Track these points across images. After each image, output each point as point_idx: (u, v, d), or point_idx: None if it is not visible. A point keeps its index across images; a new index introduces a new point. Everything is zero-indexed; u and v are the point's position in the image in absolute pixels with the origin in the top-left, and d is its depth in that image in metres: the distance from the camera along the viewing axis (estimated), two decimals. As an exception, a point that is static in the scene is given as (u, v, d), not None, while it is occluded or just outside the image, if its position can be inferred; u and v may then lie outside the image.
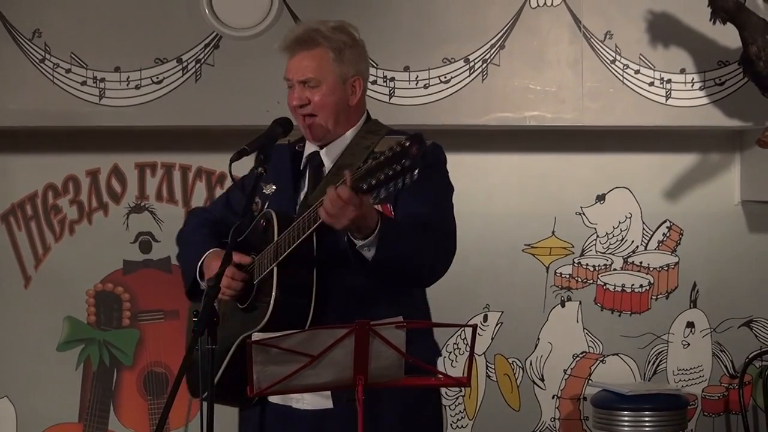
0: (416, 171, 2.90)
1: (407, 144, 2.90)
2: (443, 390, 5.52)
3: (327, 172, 3.47)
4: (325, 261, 3.33)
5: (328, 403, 3.39)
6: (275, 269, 3.31)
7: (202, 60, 5.13)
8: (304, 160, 3.55)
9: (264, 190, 3.56)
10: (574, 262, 5.66)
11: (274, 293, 3.29)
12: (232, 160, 3.39)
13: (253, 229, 3.48)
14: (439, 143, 3.54)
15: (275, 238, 3.34)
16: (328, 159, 3.49)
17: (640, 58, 5.27)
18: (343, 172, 3.14)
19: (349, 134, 3.50)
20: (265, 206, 3.54)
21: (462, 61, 5.20)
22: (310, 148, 3.55)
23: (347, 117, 3.50)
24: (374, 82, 5.12)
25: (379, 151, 3.00)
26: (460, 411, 5.60)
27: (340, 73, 3.45)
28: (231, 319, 3.49)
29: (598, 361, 5.66)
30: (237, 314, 3.49)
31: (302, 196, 3.51)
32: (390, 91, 5.17)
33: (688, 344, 5.72)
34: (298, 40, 3.46)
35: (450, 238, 3.42)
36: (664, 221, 5.70)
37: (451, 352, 5.56)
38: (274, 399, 3.47)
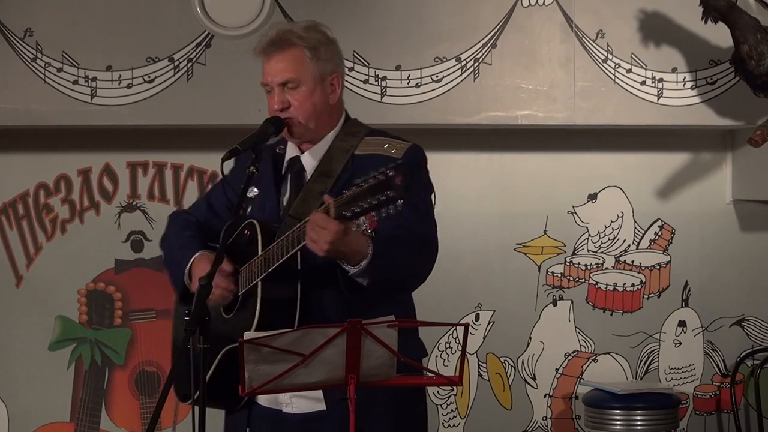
0: (400, 201, 2.91)
1: (391, 174, 2.89)
2: (435, 389, 5.54)
3: (308, 178, 3.44)
4: (313, 269, 3.31)
5: (319, 405, 3.38)
6: (259, 284, 3.30)
7: (194, 59, 5.13)
8: (285, 164, 3.52)
9: (247, 194, 3.52)
10: (565, 261, 5.66)
11: (258, 309, 3.29)
12: (223, 160, 3.38)
13: (237, 237, 3.44)
14: (430, 144, 3.52)
15: (259, 252, 3.33)
16: (308, 164, 3.47)
17: (631, 57, 5.27)
18: (326, 194, 3.14)
19: (329, 137, 3.48)
20: (248, 210, 3.52)
21: (454, 60, 5.20)
22: (291, 151, 3.52)
23: (328, 117, 3.47)
24: (366, 81, 5.12)
25: (363, 177, 2.97)
26: (452, 410, 5.60)
27: (317, 72, 3.42)
28: (217, 324, 3.45)
29: (590, 360, 5.67)
30: (223, 321, 3.46)
31: (285, 201, 3.48)
32: (382, 90, 5.17)
33: (680, 343, 5.72)
34: (272, 42, 3.41)
35: (433, 242, 3.42)
36: (656, 220, 5.71)
37: (443, 351, 5.57)
38: (263, 402, 3.47)
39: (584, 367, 5.67)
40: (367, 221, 3.07)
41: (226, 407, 3.57)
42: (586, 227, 5.67)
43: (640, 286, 5.70)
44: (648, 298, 5.71)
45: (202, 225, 3.67)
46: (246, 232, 3.42)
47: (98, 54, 5.11)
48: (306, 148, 3.49)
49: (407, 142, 3.47)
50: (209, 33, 5.13)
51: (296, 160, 3.50)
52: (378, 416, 3.36)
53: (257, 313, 3.28)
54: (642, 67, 5.28)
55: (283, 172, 3.53)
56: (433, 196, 3.53)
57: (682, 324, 5.72)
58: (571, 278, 5.66)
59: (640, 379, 5.68)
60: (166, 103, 5.12)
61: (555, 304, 5.66)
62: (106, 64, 5.11)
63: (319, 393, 3.34)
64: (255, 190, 3.54)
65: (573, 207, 5.66)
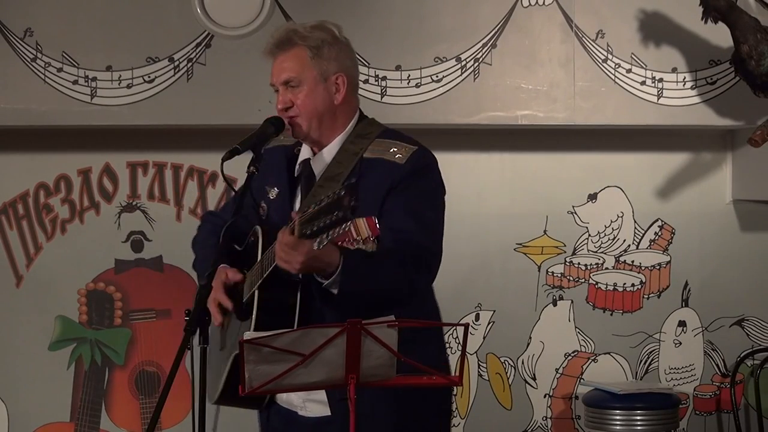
0: (348, 222, 2.89)
1: (342, 194, 2.87)
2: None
3: (315, 183, 3.42)
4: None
5: (327, 410, 3.38)
6: (256, 292, 3.29)
7: (194, 59, 5.13)
8: (297, 167, 3.50)
9: (268, 194, 3.52)
10: (565, 261, 5.66)
11: (254, 318, 3.28)
12: (223, 160, 3.37)
13: (248, 243, 3.45)
14: (430, 144, 3.50)
15: (258, 258, 3.32)
16: (316, 168, 3.45)
17: (631, 57, 5.27)
18: (294, 214, 3.12)
19: (339, 140, 3.44)
20: (267, 211, 3.51)
21: (454, 60, 5.20)
22: (303, 154, 3.50)
23: (333, 118, 3.44)
24: (366, 81, 5.11)
25: (324, 195, 2.97)
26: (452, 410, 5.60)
27: (319, 71, 3.40)
28: (231, 327, 3.48)
29: (590, 360, 5.67)
30: (232, 324, 3.47)
31: (297, 204, 3.46)
32: (382, 90, 5.17)
33: (680, 343, 5.72)
34: (277, 43, 3.42)
35: (432, 253, 3.37)
36: (656, 220, 5.71)
37: (443, 351, 5.56)
38: (281, 402, 3.48)
39: (584, 367, 5.67)
40: (369, 230, 3.07)
41: (254, 408, 3.58)
42: (586, 227, 5.67)
43: (640, 286, 5.70)
44: (648, 298, 5.71)
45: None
46: (251, 238, 3.42)
47: (98, 54, 5.11)
48: (317, 150, 3.47)
49: (414, 145, 3.43)
50: (209, 33, 5.12)
51: (307, 164, 3.48)
52: (382, 417, 3.35)
53: (253, 321, 3.27)
54: (642, 67, 5.28)
55: (296, 175, 3.51)
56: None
57: (682, 324, 5.72)
58: (571, 278, 5.66)
59: (640, 379, 5.68)
60: (166, 103, 5.12)
61: (555, 304, 5.66)
62: (106, 64, 5.11)
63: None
64: (276, 190, 3.52)
65: (573, 207, 5.66)
